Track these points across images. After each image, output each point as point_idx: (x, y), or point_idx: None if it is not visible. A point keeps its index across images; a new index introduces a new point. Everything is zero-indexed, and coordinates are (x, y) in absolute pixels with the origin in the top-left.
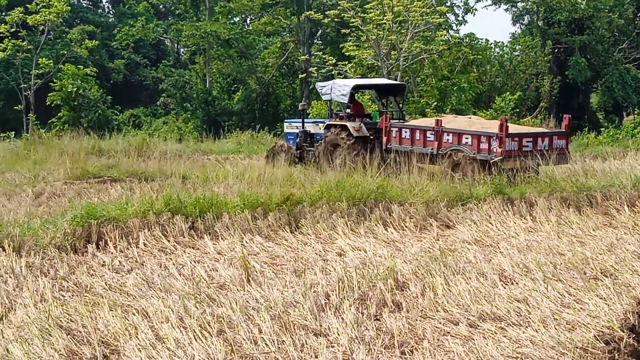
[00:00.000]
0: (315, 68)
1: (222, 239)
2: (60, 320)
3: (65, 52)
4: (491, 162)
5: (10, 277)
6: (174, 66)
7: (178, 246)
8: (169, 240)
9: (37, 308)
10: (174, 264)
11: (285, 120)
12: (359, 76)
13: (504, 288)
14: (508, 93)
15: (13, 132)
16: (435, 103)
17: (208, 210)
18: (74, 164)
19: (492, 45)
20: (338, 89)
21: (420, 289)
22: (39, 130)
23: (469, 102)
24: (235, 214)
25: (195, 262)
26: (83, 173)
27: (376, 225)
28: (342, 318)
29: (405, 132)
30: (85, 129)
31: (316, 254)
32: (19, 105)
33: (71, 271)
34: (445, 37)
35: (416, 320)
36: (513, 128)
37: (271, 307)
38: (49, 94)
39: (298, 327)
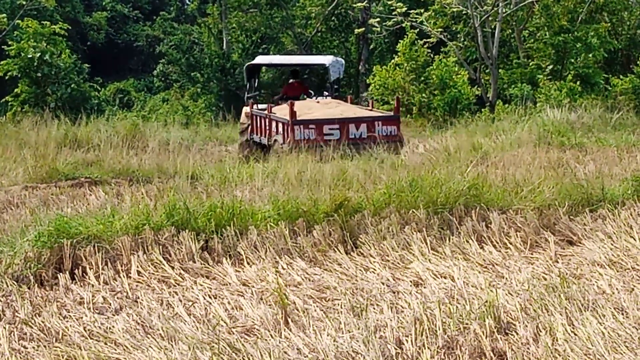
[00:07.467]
0: (378, 20)
1: (248, 263)
2: None
3: (24, 3)
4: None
5: None
6: (177, 20)
7: (186, 275)
8: (173, 267)
9: None
10: (180, 300)
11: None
12: (439, 30)
13: None
14: None
15: None
16: (550, 66)
17: (228, 224)
18: (38, 161)
19: None
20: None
21: (533, 331)
22: None
23: (598, 64)
24: (266, 229)
25: (210, 297)
26: (51, 173)
27: (468, 241)
28: None
29: (262, 119)
30: (54, 111)
31: (382, 284)
32: None
33: (36, 312)
34: None
35: None
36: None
37: None
38: (1, 62)
39: None
